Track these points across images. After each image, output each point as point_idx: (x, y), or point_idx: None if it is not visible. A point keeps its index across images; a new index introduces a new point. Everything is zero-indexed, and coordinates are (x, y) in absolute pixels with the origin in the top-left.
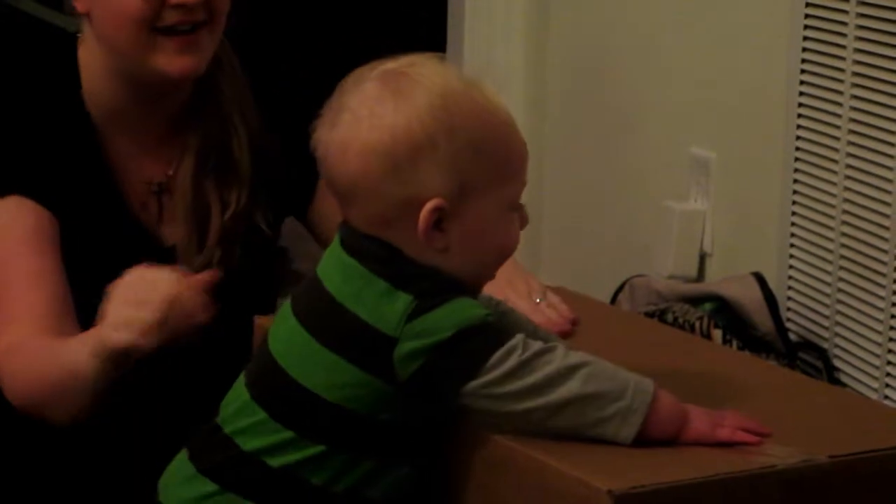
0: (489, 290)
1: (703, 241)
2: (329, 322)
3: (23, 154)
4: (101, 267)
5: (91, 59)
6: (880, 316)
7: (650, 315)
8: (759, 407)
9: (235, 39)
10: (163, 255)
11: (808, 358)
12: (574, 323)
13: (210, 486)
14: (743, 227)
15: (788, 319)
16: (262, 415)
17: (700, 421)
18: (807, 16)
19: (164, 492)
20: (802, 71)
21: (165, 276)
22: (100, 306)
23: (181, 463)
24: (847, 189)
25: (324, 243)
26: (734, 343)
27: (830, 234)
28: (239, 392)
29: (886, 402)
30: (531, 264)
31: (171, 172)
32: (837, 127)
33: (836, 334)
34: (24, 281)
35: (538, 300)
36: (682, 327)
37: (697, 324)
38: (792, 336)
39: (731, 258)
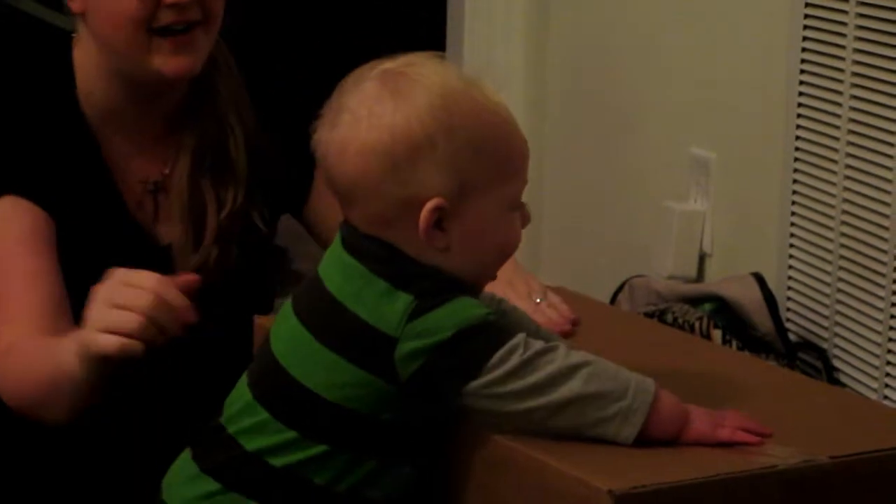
0: (489, 290)
1: (703, 241)
2: (330, 322)
3: (18, 154)
4: (97, 266)
5: (86, 59)
6: (880, 316)
7: (650, 315)
8: (759, 407)
9: (231, 39)
10: (159, 255)
11: (808, 358)
12: (574, 323)
13: (213, 486)
14: (743, 228)
15: (788, 320)
16: (264, 415)
17: (701, 421)
18: (806, 16)
19: (168, 491)
20: (802, 71)
21: (148, 278)
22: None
23: (184, 462)
24: (847, 189)
25: (321, 241)
26: (734, 343)
27: (830, 235)
28: (242, 392)
29: (886, 402)
30: (531, 264)
31: (167, 171)
32: (837, 127)
33: (836, 334)
34: (21, 281)
35: (538, 300)
36: (681, 327)
37: (697, 324)
38: (791, 336)
39: (731, 258)
